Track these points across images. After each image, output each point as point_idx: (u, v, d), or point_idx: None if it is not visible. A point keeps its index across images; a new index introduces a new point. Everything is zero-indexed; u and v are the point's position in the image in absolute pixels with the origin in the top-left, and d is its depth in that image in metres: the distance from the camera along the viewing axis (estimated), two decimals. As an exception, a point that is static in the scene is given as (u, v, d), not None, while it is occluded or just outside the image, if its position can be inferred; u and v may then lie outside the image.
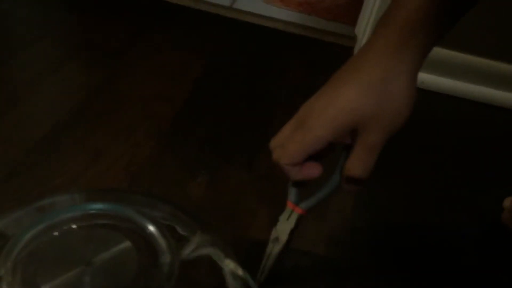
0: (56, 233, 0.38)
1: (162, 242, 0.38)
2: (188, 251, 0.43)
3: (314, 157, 0.48)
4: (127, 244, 0.36)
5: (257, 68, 1.07)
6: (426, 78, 1.06)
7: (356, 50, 1.12)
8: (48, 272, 0.34)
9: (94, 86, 0.92)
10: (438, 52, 1.04)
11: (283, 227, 0.52)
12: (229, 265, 0.46)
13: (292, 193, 0.52)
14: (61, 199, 0.43)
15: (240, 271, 0.47)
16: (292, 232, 0.52)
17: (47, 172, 0.71)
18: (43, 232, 0.38)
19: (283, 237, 0.52)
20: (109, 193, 0.53)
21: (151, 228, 0.39)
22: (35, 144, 0.76)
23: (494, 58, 1.03)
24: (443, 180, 0.84)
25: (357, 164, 0.46)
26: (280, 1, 1.34)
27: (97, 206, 0.40)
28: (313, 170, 0.49)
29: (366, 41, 0.49)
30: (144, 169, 0.75)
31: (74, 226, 0.38)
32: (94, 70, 0.97)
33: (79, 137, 0.79)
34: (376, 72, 0.45)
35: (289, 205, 0.52)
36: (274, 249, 0.52)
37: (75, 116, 0.83)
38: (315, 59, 1.12)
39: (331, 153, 0.50)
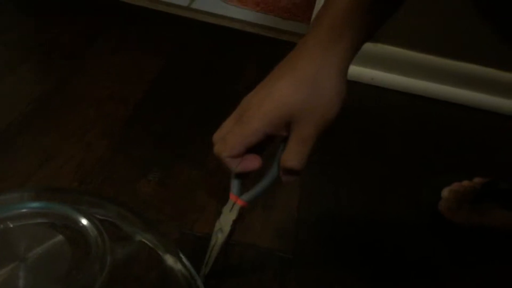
0: (-9, 232, 0.38)
1: (96, 237, 0.39)
2: (128, 247, 0.45)
3: (255, 150, 0.50)
4: (60, 239, 0.37)
5: (213, 67, 1.08)
6: (375, 74, 1.09)
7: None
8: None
9: (47, 87, 0.91)
10: (384, 49, 1.08)
11: (226, 219, 0.53)
12: (169, 260, 0.47)
13: (234, 185, 0.53)
14: (5, 198, 0.43)
15: (180, 265, 0.48)
16: (235, 223, 0.53)
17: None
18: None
19: (226, 228, 0.53)
20: (56, 192, 0.54)
21: (86, 224, 0.40)
22: (-16, 145, 0.75)
23: (436, 54, 1.08)
24: (386, 173, 0.87)
25: (292, 156, 0.48)
26: (237, 1, 1.36)
27: (34, 205, 0.41)
28: (253, 162, 0.51)
29: (301, 39, 0.51)
30: (95, 169, 0.75)
31: (9, 225, 0.39)
32: (48, 72, 0.97)
33: (30, 138, 0.78)
34: (307, 68, 0.48)
35: (232, 197, 0.53)
36: (218, 240, 0.54)
37: (27, 117, 0.82)
38: (271, 57, 1.13)
39: (270, 145, 0.51)
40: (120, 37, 1.11)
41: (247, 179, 0.54)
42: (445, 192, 0.76)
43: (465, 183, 0.76)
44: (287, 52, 0.50)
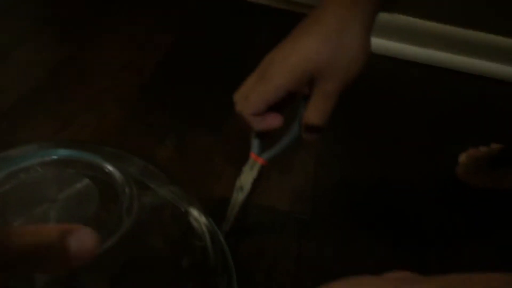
0: (22, 176, 0.39)
1: (123, 184, 0.39)
2: (153, 197, 0.45)
3: (276, 108, 0.50)
4: (88, 183, 0.38)
5: (227, 39, 1.08)
6: (389, 45, 1.09)
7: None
8: (16, 209, 0.36)
9: (62, 57, 0.91)
10: (399, 19, 1.06)
11: (247, 177, 0.54)
12: (194, 213, 0.47)
13: (255, 144, 0.53)
14: (28, 148, 0.44)
15: (204, 219, 0.49)
16: (255, 182, 0.54)
17: (13, 139, 0.71)
18: (10, 176, 0.39)
19: (247, 187, 0.54)
20: (79, 143, 0.54)
21: (113, 171, 0.40)
22: (1, 113, 0.75)
23: (451, 24, 1.07)
24: (402, 141, 0.87)
25: (315, 112, 0.48)
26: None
27: (64, 152, 0.41)
28: (275, 121, 0.50)
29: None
30: (111, 135, 0.76)
31: (38, 170, 0.39)
32: (63, 42, 0.97)
33: (46, 106, 0.79)
34: (332, 24, 0.47)
35: (252, 156, 0.53)
36: (238, 198, 0.54)
37: (43, 86, 0.83)
38: (283, 29, 1.13)
39: (291, 104, 0.51)
40: (133, 9, 1.11)
41: (267, 138, 0.54)
42: (462, 157, 0.76)
43: (482, 148, 0.76)
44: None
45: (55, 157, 0.41)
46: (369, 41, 0.48)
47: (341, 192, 0.74)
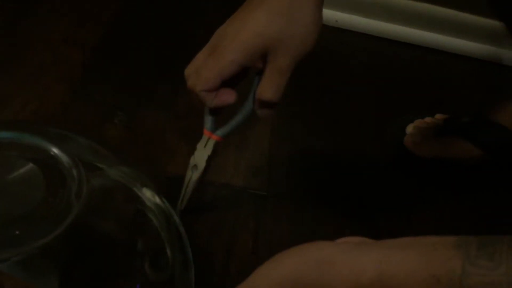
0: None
1: (70, 167, 0.37)
2: (103, 179, 0.43)
3: (229, 84, 0.49)
4: (32, 167, 0.35)
5: (174, 9, 1.04)
6: (339, 16, 1.09)
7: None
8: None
9: (-3, 28, 0.85)
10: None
11: (201, 155, 0.53)
12: (146, 194, 0.46)
13: (208, 121, 0.53)
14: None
15: (157, 199, 0.47)
16: (209, 159, 0.53)
17: None
18: None
19: (201, 164, 0.53)
20: (20, 124, 0.51)
21: (59, 154, 0.38)
22: None
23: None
24: (353, 113, 0.88)
25: (268, 87, 0.48)
26: None
27: (4, 135, 0.38)
28: (228, 97, 0.50)
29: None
30: (56, 114, 0.72)
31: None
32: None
33: (-19, 85, 0.74)
34: None
35: (206, 133, 0.53)
36: (193, 176, 0.53)
37: (-25, 62, 0.78)
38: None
39: (244, 79, 0.51)
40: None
41: (221, 114, 0.53)
42: (409, 128, 0.78)
43: (428, 119, 0.79)
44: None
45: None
46: (321, 15, 0.48)
47: (296, 166, 0.75)
